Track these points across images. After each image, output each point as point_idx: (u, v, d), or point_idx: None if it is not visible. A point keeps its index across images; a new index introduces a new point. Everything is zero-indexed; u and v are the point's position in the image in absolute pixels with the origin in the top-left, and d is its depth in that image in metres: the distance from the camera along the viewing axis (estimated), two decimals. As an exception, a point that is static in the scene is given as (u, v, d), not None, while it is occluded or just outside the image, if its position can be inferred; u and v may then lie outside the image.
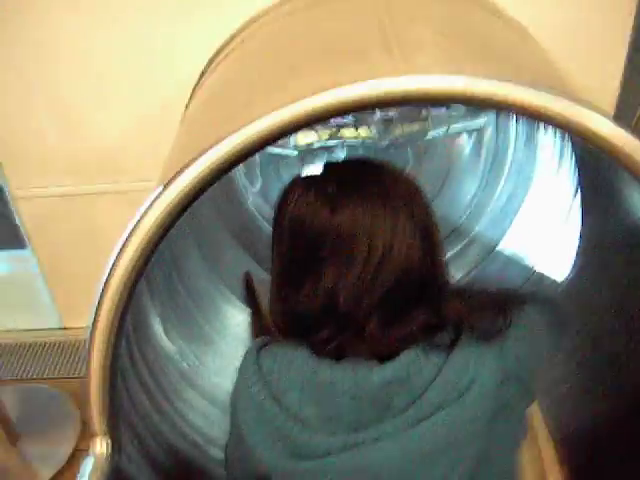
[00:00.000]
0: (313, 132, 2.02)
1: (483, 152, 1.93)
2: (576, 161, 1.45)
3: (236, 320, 1.33)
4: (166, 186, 0.79)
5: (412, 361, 0.76)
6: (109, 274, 0.82)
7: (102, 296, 0.82)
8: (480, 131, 1.93)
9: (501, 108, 0.77)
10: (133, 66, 1.44)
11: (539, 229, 1.62)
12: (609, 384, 1.23)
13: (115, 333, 0.84)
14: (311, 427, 0.77)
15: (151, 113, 1.47)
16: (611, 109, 1.49)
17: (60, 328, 1.98)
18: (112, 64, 1.44)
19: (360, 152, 2.04)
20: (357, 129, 2.09)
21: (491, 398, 0.76)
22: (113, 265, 0.82)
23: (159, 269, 1.21)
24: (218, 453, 1.13)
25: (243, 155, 0.77)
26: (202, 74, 1.36)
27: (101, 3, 1.37)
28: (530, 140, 1.72)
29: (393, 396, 0.75)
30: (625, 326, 1.22)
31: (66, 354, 1.96)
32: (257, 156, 1.78)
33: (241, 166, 1.77)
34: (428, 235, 0.79)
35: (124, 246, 0.81)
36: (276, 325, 0.85)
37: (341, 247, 0.75)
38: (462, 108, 1.99)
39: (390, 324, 0.76)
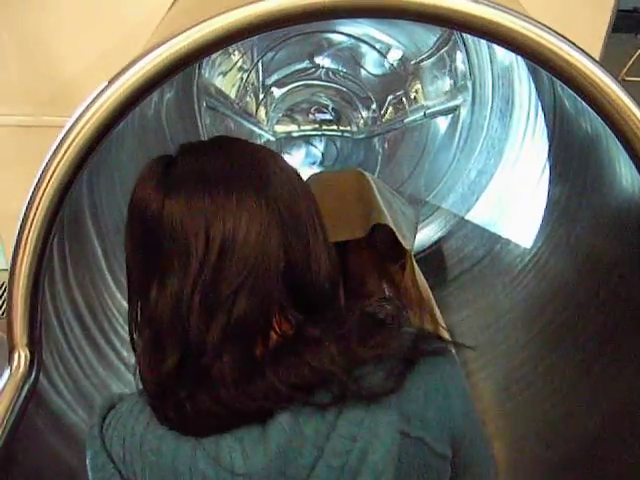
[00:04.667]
0: (294, 124, 2.00)
1: (458, 129, 1.89)
2: (548, 134, 1.42)
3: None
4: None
5: (285, 442, 0.60)
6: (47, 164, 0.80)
7: (34, 195, 0.78)
8: (457, 109, 1.90)
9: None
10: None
11: (506, 201, 1.60)
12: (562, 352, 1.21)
13: (43, 239, 0.79)
14: None
15: (114, 46, 1.40)
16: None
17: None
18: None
19: (338, 144, 1.99)
20: (338, 126, 2.04)
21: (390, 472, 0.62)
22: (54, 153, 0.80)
23: (109, 207, 1.15)
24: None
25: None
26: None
27: None
28: (504, 115, 1.69)
29: None
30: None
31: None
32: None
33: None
34: (295, 226, 0.64)
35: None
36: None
37: (178, 241, 0.61)
38: (440, 90, 1.96)
39: (244, 366, 0.61)
